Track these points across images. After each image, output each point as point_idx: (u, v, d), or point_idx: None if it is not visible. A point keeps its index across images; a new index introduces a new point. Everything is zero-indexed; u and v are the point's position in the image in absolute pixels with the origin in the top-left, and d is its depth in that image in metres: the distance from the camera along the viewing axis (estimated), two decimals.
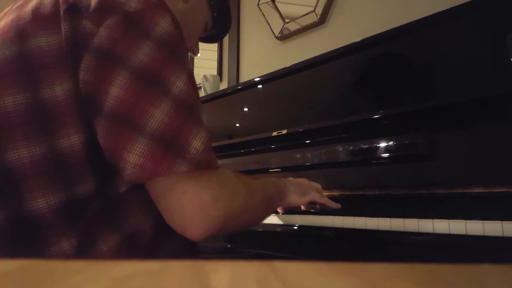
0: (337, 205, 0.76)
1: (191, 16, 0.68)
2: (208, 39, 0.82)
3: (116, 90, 0.42)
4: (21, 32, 0.45)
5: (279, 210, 0.80)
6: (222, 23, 0.78)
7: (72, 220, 0.44)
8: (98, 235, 0.45)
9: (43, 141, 0.43)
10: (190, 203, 0.44)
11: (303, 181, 0.76)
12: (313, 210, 0.79)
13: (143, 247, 0.49)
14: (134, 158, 0.41)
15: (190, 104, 0.46)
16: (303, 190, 0.73)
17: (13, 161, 0.42)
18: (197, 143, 0.44)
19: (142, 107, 0.42)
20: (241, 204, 0.51)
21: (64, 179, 0.43)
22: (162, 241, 0.51)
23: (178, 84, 0.45)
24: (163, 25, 0.45)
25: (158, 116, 0.42)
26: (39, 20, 0.45)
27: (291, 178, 0.76)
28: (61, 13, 0.44)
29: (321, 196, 0.75)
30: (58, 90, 0.43)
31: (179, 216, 0.45)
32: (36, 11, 0.46)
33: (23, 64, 0.44)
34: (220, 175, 0.48)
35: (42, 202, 0.42)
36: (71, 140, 0.43)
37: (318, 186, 0.78)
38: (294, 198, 0.70)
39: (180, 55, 0.47)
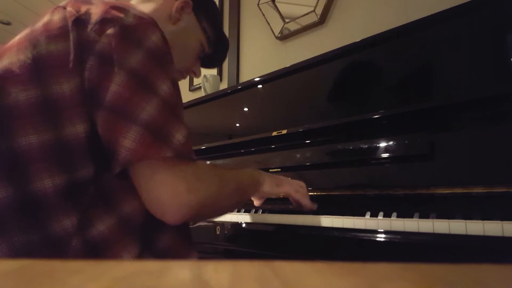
0: (313, 206, 0.78)
1: (182, 37, 0.75)
2: (208, 63, 0.87)
3: (115, 87, 0.49)
4: (34, 41, 0.52)
5: (256, 202, 0.83)
6: (217, 44, 0.83)
7: (73, 201, 0.49)
8: (95, 216, 0.50)
9: (51, 130, 0.49)
10: (167, 192, 0.51)
11: (282, 177, 0.80)
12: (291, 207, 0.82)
13: (136, 231, 0.54)
14: (128, 143, 0.48)
15: (173, 105, 0.54)
16: (278, 182, 0.77)
17: (23, 146, 0.48)
18: (179, 136, 0.52)
19: (136, 101, 0.50)
20: (214, 194, 0.57)
21: (68, 163, 0.49)
22: (154, 227, 0.56)
23: (163, 88, 0.53)
24: (153, 39, 0.54)
25: (148, 109, 0.50)
26: (49, 31, 0.53)
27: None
28: (69, 24, 0.52)
29: (296, 192, 0.78)
30: (65, 87, 0.50)
31: (157, 203, 0.51)
32: (47, 25, 0.53)
33: (34, 66, 0.50)
34: (196, 168, 0.55)
35: (48, 183, 0.48)
36: (76, 129, 0.50)
37: (300, 184, 0.81)
38: (267, 188, 0.74)
39: (165, 65, 0.55)
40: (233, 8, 1.91)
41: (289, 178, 0.81)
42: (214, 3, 0.85)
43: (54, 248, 0.47)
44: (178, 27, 0.74)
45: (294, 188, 0.79)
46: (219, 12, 0.85)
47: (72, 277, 0.17)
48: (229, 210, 0.71)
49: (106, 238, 0.50)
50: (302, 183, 0.82)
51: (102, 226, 0.50)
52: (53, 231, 0.47)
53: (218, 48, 0.84)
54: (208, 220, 0.93)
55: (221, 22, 0.86)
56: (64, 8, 0.54)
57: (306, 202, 0.78)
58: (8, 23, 3.13)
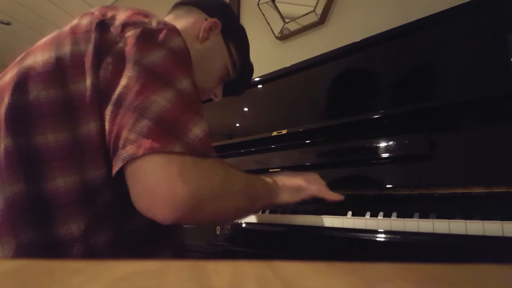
0: (339, 197, 0.74)
1: (208, 56, 0.75)
2: (230, 90, 0.87)
3: (125, 81, 0.48)
4: (60, 42, 0.53)
5: None
6: (242, 70, 0.83)
7: (83, 205, 0.48)
8: (102, 226, 0.49)
9: (68, 128, 0.49)
10: (157, 179, 0.44)
11: (298, 178, 0.74)
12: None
13: (137, 247, 0.53)
14: (133, 136, 0.45)
15: (193, 100, 0.51)
16: (297, 187, 0.72)
17: (40, 144, 0.48)
18: (197, 130, 0.48)
19: (147, 94, 0.47)
20: (216, 187, 0.50)
21: (81, 163, 0.48)
22: (156, 246, 0.54)
23: (184, 83, 0.50)
24: (176, 41, 0.53)
25: (160, 102, 0.47)
26: (75, 34, 0.53)
27: (287, 175, 0.75)
28: (93, 27, 0.52)
29: (319, 191, 0.74)
30: (82, 86, 0.50)
31: (145, 193, 0.45)
32: (74, 28, 0.54)
33: (56, 66, 0.51)
34: (200, 159, 0.48)
35: (60, 183, 0.47)
36: (89, 128, 0.49)
37: (315, 177, 0.77)
38: (287, 197, 0.70)
39: (187, 66, 0.53)
40: (233, 8, 1.91)
41: (303, 175, 0.76)
42: (244, 29, 0.84)
43: (55, 251, 0.47)
44: (205, 47, 0.74)
45: (316, 188, 0.74)
46: (247, 39, 0.84)
47: (72, 277, 0.17)
48: (238, 214, 0.63)
49: (107, 249, 0.49)
50: (315, 175, 0.78)
51: (106, 237, 0.50)
52: (59, 234, 0.47)
53: (242, 74, 0.84)
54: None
55: (248, 48, 0.85)
56: (93, 13, 0.55)
57: (333, 197, 0.74)
58: (8, 23, 3.13)
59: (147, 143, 0.44)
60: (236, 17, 0.85)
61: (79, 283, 0.16)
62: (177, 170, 0.45)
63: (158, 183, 0.44)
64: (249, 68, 0.87)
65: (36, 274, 0.18)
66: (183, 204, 0.45)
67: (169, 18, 0.76)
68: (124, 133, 0.46)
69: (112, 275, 0.18)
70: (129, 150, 0.45)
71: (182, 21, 0.74)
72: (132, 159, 0.45)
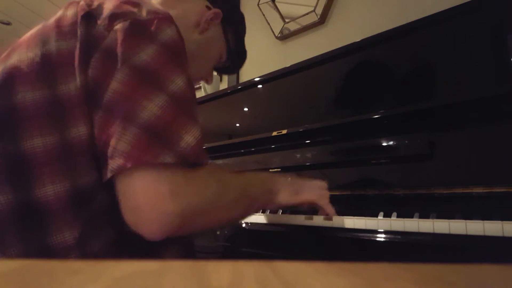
0: (332, 212, 0.72)
1: (206, 47, 0.73)
2: (222, 71, 0.86)
3: (115, 84, 0.45)
4: (45, 37, 0.50)
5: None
6: (236, 56, 0.81)
7: (76, 211, 0.46)
8: (97, 230, 0.47)
9: (56, 132, 0.46)
10: (146, 196, 0.43)
11: (302, 181, 0.73)
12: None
13: (136, 249, 0.50)
14: (122, 145, 0.43)
15: (187, 102, 0.48)
16: (297, 188, 0.70)
17: (27, 149, 0.45)
18: (189, 138, 0.46)
19: (136, 99, 0.45)
20: (208, 201, 0.49)
21: (71, 168, 0.46)
22: (157, 247, 0.51)
23: (177, 82, 0.47)
24: (168, 32, 0.49)
25: (151, 108, 0.44)
26: (60, 27, 0.50)
27: (294, 178, 0.73)
28: (78, 19, 0.49)
29: (320, 199, 0.72)
30: (71, 86, 0.47)
31: (134, 210, 0.44)
32: (58, 20, 0.51)
33: (42, 64, 0.48)
34: (191, 171, 0.47)
35: (50, 189, 0.44)
36: (79, 131, 0.46)
37: (321, 185, 0.74)
38: (285, 197, 0.67)
39: (181, 60, 0.50)
40: None
41: (309, 180, 0.74)
42: (243, 17, 0.82)
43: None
44: (204, 37, 0.71)
45: (317, 195, 0.71)
46: (245, 26, 0.83)
47: (72, 277, 0.17)
48: (233, 220, 0.61)
49: (105, 255, 0.47)
50: (323, 184, 0.75)
51: (104, 242, 0.47)
52: (52, 243, 0.44)
53: (235, 59, 0.82)
54: None
55: (244, 35, 0.84)
56: (78, 3, 0.52)
57: (330, 210, 0.72)
58: (8, 23, 3.13)
59: (136, 155, 0.43)
60: (237, 3, 0.84)
61: (79, 283, 0.16)
62: (167, 188, 0.44)
63: (147, 201, 0.43)
64: (243, 53, 0.85)
65: (36, 274, 0.18)
66: (172, 223, 0.44)
67: (166, 0, 0.70)
68: (113, 142, 0.44)
69: (112, 275, 0.18)
70: (118, 161, 0.43)
71: (180, 6, 0.69)
72: (121, 172, 0.43)
